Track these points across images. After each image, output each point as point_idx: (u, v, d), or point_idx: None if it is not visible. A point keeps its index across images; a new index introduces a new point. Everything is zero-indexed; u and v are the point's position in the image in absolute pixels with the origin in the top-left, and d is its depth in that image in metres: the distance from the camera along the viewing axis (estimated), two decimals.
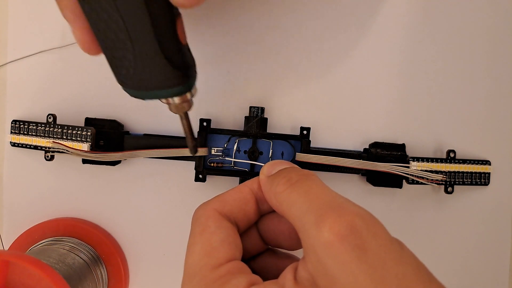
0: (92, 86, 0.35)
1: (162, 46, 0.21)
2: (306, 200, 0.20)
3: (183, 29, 0.23)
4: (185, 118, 0.27)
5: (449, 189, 0.34)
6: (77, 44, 0.23)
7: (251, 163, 0.34)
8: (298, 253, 0.25)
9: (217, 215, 0.23)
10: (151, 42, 0.21)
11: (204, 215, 0.23)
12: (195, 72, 0.25)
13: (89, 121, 0.34)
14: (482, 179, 0.34)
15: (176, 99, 0.25)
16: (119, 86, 0.34)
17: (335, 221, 0.18)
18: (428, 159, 0.34)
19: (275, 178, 0.23)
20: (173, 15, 0.22)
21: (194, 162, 0.33)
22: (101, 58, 0.34)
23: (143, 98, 0.24)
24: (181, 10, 0.23)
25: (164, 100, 0.25)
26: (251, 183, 0.25)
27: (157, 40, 0.21)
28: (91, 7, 0.21)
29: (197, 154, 0.33)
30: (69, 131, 0.33)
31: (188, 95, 0.25)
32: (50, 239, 0.33)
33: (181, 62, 0.23)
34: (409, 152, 0.35)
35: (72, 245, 0.32)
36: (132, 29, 0.21)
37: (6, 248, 0.34)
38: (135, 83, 0.23)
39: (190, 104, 0.26)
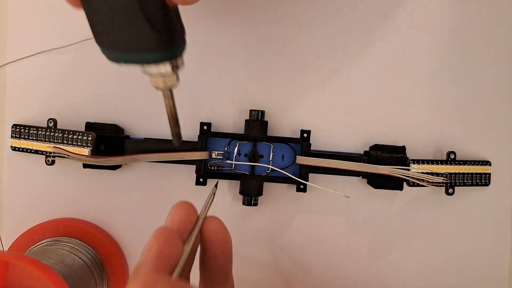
0: (92, 91, 0.35)
1: (142, 1, 0.19)
2: None
3: None
4: (169, 97, 0.23)
5: (450, 190, 0.34)
6: None
7: (251, 166, 0.34)
8: None
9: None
10: None
11: None
12: (182, 40, 0.22)
13: (89, 126, 0.34)
14: (483, 180, 0.34)
15: (161, 69, 0.21)
16: (120, 90, 0.35)
17: None
18: (428, 161, 0.34)
19: None
20: None
21: (194, 166, 0.33)
22: (101, 64, 0.34)
23: (118, 62, 0.21)
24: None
25: (143, 69, 0.22)
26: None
27: None
28: None
29: (198, 158, 0.33)
30: (70, 136, 0.33)
31: (170, 65, 0.22)
32: (49, 239, 0.33)
33: (164, 25, 0.20)
34: (409, 153, 0.35)
35: (72, 245, 0.32)
36: None
37: (6, 248, 0.34)
38: (111, 42, 0.20)
39: (174, 78, 0.22)
